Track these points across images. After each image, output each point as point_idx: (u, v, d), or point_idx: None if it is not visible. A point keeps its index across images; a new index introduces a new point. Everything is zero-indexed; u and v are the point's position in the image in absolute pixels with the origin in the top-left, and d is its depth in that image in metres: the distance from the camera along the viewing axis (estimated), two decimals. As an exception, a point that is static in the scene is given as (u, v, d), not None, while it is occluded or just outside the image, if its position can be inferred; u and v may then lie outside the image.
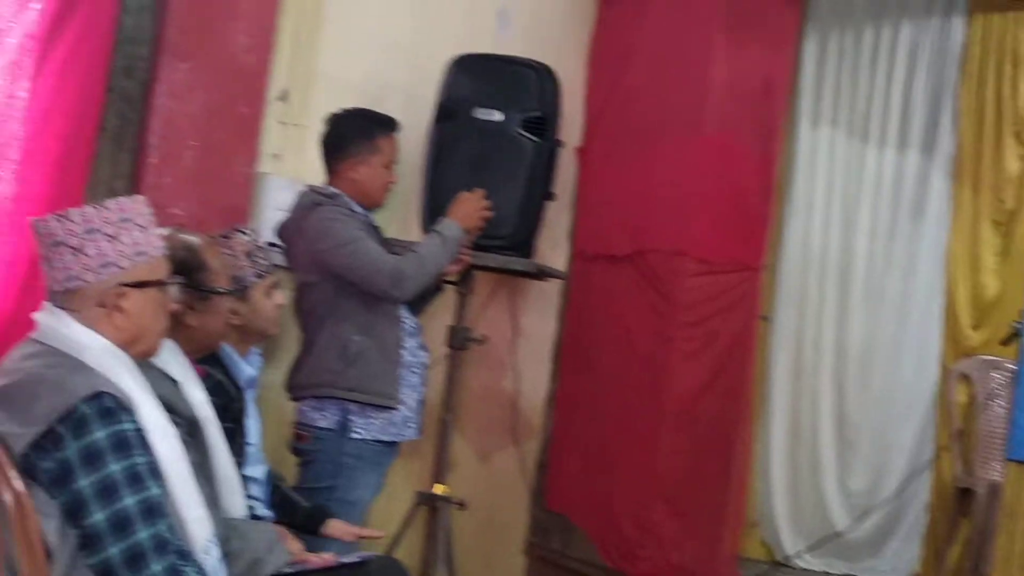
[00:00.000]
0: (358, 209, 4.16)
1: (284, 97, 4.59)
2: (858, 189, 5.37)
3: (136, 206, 2.70)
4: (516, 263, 4.51)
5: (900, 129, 5.43)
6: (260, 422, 3.74)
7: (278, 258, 4.18)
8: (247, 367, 3.65)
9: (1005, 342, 4.80)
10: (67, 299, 2.62)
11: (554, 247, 5.19)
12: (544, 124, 4.53)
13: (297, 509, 3.66)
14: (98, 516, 2.40)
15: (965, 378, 5.27)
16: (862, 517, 4.96)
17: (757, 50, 4.89)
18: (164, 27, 4.25)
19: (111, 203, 2.66)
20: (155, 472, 2.52)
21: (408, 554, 4.52)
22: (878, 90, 5.41)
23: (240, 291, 3.58)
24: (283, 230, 4.22)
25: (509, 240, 4.46)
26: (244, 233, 3.71)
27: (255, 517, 3.34)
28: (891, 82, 5.41)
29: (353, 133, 4.18)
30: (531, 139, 4.50)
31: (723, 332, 4.79)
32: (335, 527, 3.65)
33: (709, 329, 4.77)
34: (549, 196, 4.60)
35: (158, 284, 2.71)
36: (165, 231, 2.97)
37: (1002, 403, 4.94)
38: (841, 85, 5.40)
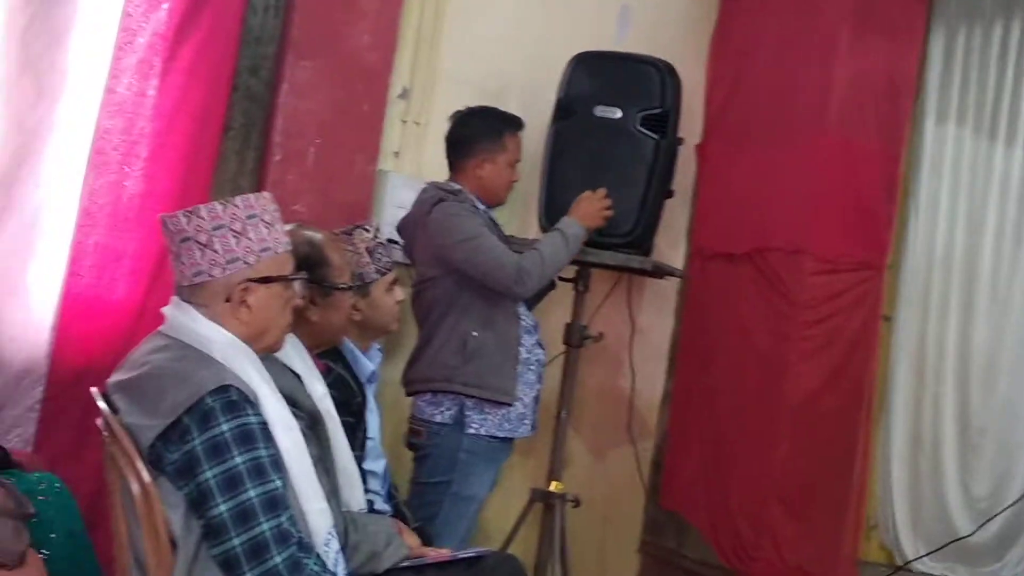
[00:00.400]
0: (480, 206, 4.20)
1: (405, 95, 4.65)
2: (985, 188, 5.23)
3: (262, 203, 2.76)
4: (634, 261, 4.50)
5: (1030, 127, 5.30)
6: (380, 417, 3.79)
7: (398, 254, 4.23)
8: (368, 362, 3.71)
9: None
10: (194, 293, 2.69)
11: (673, 245, 5.17)
12: (664, 121, 4.51)
13: None
14: (222, 507, 2.46)
15: (1095, 384, 5.12)
16: (985, 522, 4.85)
17: (882, 47, 4.82)
18: (289, 26, 4.33)
19: (238, 200, 2.72)
20: (278, 464, 2.57)
21: (523, 550, 4.51)
22: (1007, 87, 5.27)
23: (361, 287, 3.63)
24: (405, 225, 4.28)
25: (627, 238, 4.44)
26: (366, 230, 3.76)
27: (374, 511, 3.39)
28: (1020, 79, 5.28)
29: (481, 131, 4.22)
30: (651, 136, 4.47)
31: (844, 332, 4.73)
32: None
33: (829, 328, 4.71)
34: (668, 194, 4.58)
35: (283, 280, 2.76)
36: (289, 227, 3.02)
37: None
38: (969, 82, 5.27)
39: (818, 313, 4.67)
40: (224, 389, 2.53)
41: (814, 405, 4.66)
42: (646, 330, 5.15)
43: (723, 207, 5.06)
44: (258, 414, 2.57)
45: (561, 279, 4.44)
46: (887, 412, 5.08)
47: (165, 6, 4.11)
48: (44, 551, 3.04)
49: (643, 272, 4.69)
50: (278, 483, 2.53)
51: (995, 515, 4.79)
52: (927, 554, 4.86)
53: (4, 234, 3.88)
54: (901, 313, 5.12)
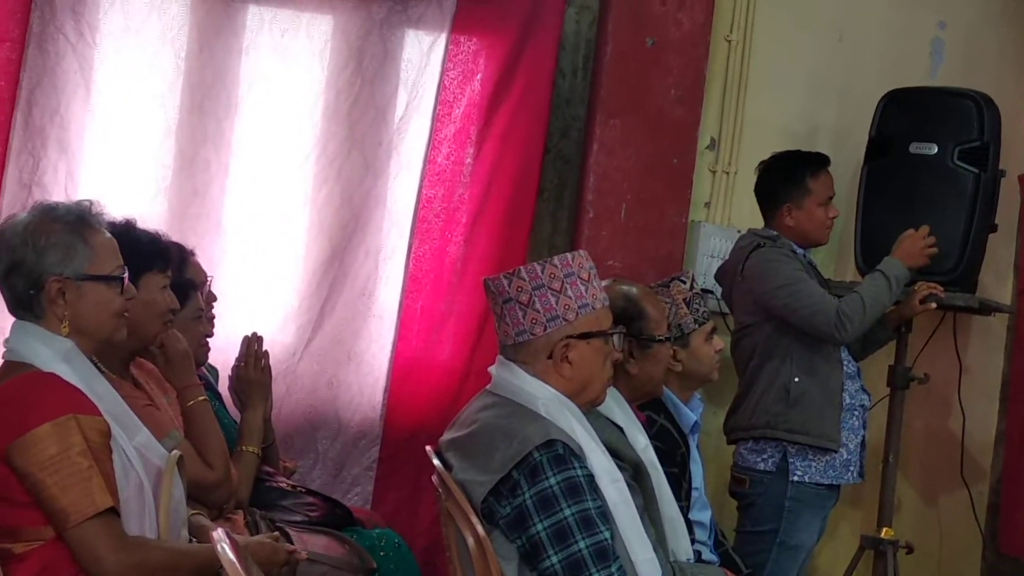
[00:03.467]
0: (799, 251, 4.17)
1: (713, 145, 4.68)
2: None
3: (579, 260, 2.83)
4: (959, 298, 4.36)
5: None
6: (703, 466, 3.80)
7: (713, 304, 4.25)
8: (690, 412, 3.73)
9: None
10: (518, 352, 2.78)
11: (1000, 280, 4.98)
12: (984, 153, 4.36)
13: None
14: (553, 559, 2.54)
15: None
16: None
17: None
18: (597, 87, 4.45)
19: (556, 259, 2.80)
20: (605, 516, 2.62)
21: (855, 599, 4.46)
22: None
23: (680, 338, 3.66)
24: (723, 273, 4.30)
25: (951, 275, 4.32)
26: (682, 281, 3.79)
27: (701, 561, 3.39)
28: None
29: (781, 179, 4.19)
30: (970, 170, 4.35)
31: None
32: None
33: None
34: (991, 228, 4.42)
35: (602, 335, 2.82)
36: (606, 283, 3.08)
37: None
38: None
39: None
40: (551, 444, 2.60)
41: None
42: (974, 369, 4.97)
43: (1051, 238, 4.85)
44: (584, 467, 2.63)
45: (940, 305, 4.27)
46: None
47: (479, 76, 4.31)
48: (386, 604, 3.21)
49: (968, 310, 4.54)
50: (606, 534, 2.58)
51: None
52: None
53: (339, 302, 4.14)
54: None
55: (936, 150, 4.37)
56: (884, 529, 4.32)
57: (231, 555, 1.86)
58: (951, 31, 5.01)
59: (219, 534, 1.96)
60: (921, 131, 4.41)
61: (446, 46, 4.26)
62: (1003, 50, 5.06)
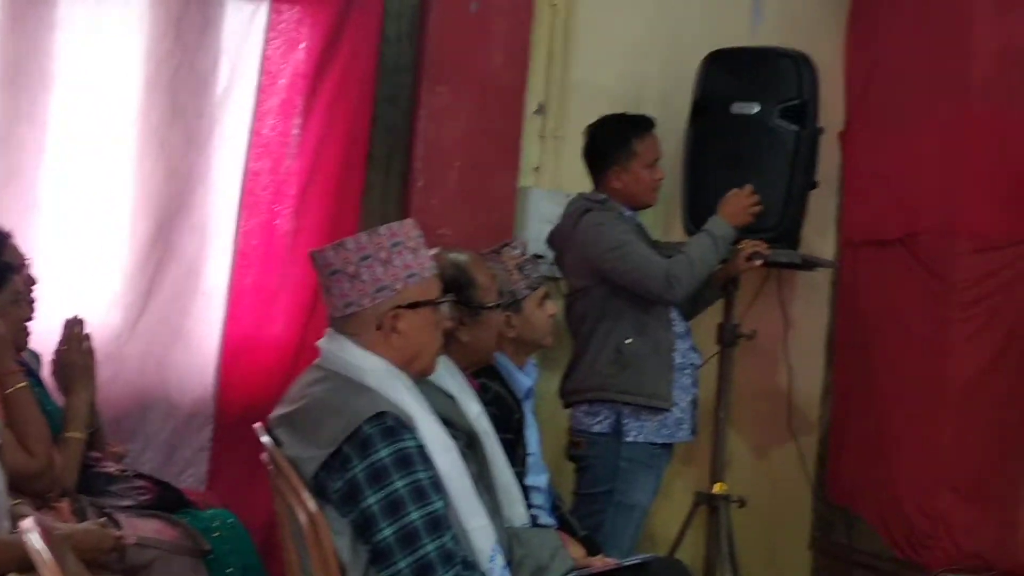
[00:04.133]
0: (627, 212, 4.21)
1: (542, 110, 4.69)
2: None
3: (406, 229, 2.81)
4: (783, 255, 4.45)
5: None
6: (539, 431, 3.82)
7: (545, 269, 4.27)
8: (524, 378, 3.74)
9: None
10: (346, 324, 2.75)
11: (821, 236, 5.11)
12: (803, 111, 4.46)
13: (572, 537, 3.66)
14: (387, 532, 2.52)
15: None
16: None
17: (1024, 13, 4.69)
18: (423, 54, 4.42)
19: (383, 229, 2.78)
20: (438, 486, 2.62)
21: (691, 556, 4.54)
22: None
23: (513, 304, 3.67)
24: (554, 237, 4.31)
25: (774, 232, 4.40)
26: (513, 247, 3.80)
27: (537, 525, 3.41)
28: None
29: (608, 142, 4.22)
30: (790, 128, 4.44)
31: (1005, 309, 4.60)
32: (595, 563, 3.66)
33: (989, 307, 4.59)
34: (812, 184, 4.52)
35: (431, 303, 2.80)
36: (434, 251, 3.07)
37: None
38: None
39: (976, 293, 4.57)
40: (380, 416, 2.59)
41: (981, 386, 4.56)
42: (800, 324, 5.10)
43: (870, 193, 4.99)
44: (415, 438, 2.62)
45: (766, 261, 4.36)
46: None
47: (303, 46, 4.25)
48: (223, 586, 3.16)
49: (792, 266, 4.65)
50: (439, 504, 2.58)
51: None
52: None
53: (166, 281, 4.06)
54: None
55: (757, 109, 4.46)
56: (716, 484, 4.41)
57: (38, 545, 1.80)
58: (770, -10, 5.12)
59: (27, 523, 1.90)
60: (743, 91, 4.49)
61: (268, 15, 4.20)
62: (819, 8, 5.18)
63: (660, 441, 4.12)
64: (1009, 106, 4.61)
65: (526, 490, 3.40)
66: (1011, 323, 4.61)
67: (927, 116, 4.74)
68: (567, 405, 4.24)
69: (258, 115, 4.18)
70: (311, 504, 2.55)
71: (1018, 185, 4.63)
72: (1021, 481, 4.60)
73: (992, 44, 4.63)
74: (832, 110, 4.94)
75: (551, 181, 4.69)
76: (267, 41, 4.18)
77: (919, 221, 4.73)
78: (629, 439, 4.06)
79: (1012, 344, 4.61)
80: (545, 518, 3.59)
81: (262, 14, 4.18)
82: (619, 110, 4.36)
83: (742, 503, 4.43)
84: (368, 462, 2.54)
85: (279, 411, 2.77)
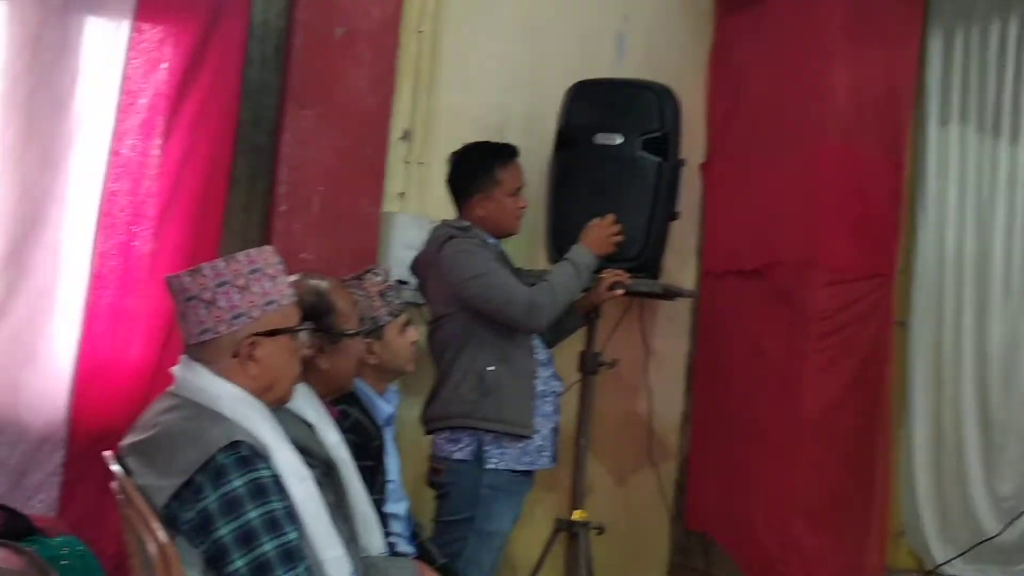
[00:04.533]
0: (491, 240, 4.23)
1: (407, 137, 4.69)
2: (992, 187, 5.23)
3: (265, 256, 2.78)
4: (644, 284, 4.52)
5: (1032, 123, 5.32)
6: (399, 458, 3.81)
7: (408, 295, 4.27)
8: (385, 405, 3.73)
9: None
10: (202, 351, 2.71)
11: (683, 266, 5.19)
12: (665, 143, 4.54)
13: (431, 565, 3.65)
14: (239, 563, 2.48)
15: (1111, 371, 5.12)
16: (1012, 521, 4.83)
17: (879, 53, 4.82)
18: (288, 77, 4.40)
19: (241, 255, 2.75)
20: (292, 516, 2.59)
21: (551, 581, 4.57)
22: (1007, 85, 5.28)
23: (374, 331, 3.66)
24: (417, 264, 4.31)
25: (636, 261, 4.47)
26: (375, 274, 3.79)
27: (396, 553, 3.40)
28: (1020, 76, 5.29)
29: (471, 170, 4.24)
30: (652, 159, 4.51)
31: (858, 341, 4.73)
32: None
33: (843, 339, 4.71)
34: (673, 215, 4.60)
35: (289, 331, 2.78)
36: (294, 278, 3.05)
37: None
38: (969, 83, 5.27)
39: (831, 324, 4.68)
40: (235, 445, 2.55)
41: (833, 416, 4.66)
42: (661, 353, 5.18)
43: (730, 224, 5.08)
44: (270, 468, 2.59)
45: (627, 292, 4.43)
46: (908, 417, 5.08)
47: (164, 65, 4.19)
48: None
49: (653, 295, 4.72)
50: (293, 535, 2.55)
51: (1022, 513, 4.78)
52: (956, 557, 4.85)
53: (18, 301, 3.95)
54: (916, 318, 5.13)
55: (621, 140, 4.52)
56: (576, 511, 4.44)
57: None
58: (634, 24, 5.19)
59: None
60: (606, 122, 4.56)
61: (130, 33, 4.13)
62: (682, 43, 5.28)
63: (521, 468, 4.13)
64: (861, 145, 4.74)
65: (385, 518, 3.39)
66: (863, 355, 4.73)
67: (786, 151, 4.85)
68: (428, 432, 4.23)
69: (117, 135, 4.10)
70: (161, 534, 2.50)
71: (870, 220, 4.77)
72: (869, 509, 4.71)
73: (847, 83, 4.75)
74: (694, 142, 5.04)
75: (416, 207, 4.69)
76: (128, 60, 4.11)
77: (777, 253, 4.82)
78: (490, 466, 4.06)
79: (863, 375, 4.73)
80: (404, 546, 3.58)
81: (123, 33, 4.11)
82: (484, 138, 4.38)
83: (601, 530, 4.46)
84: (221, 492, 2.51)
85: (130, 439, 2.72)
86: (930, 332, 5.11)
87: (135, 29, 4.13)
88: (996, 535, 4.77)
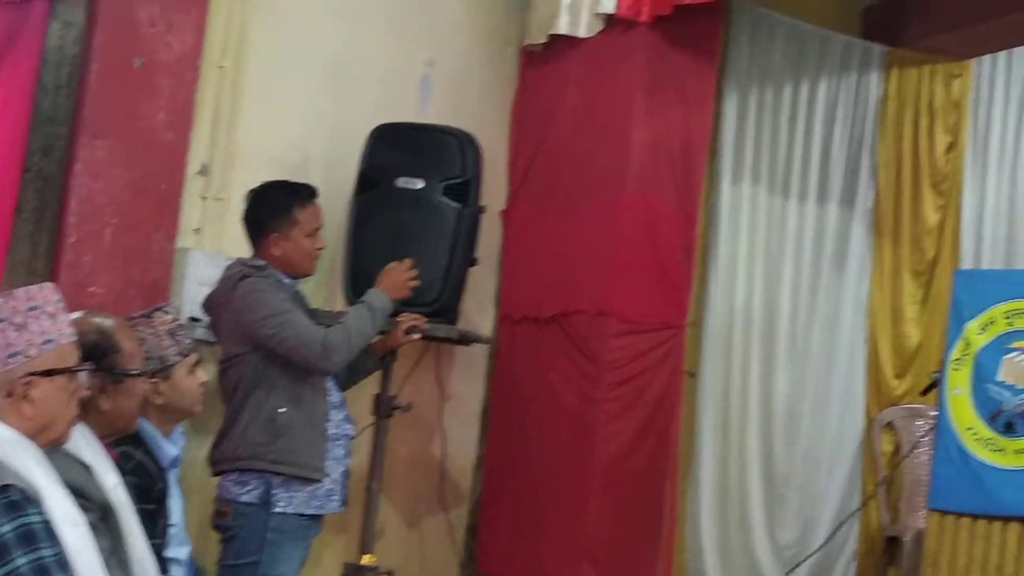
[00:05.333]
0: (286, 280, 4.18)
1: (204, 171, 4.61)
2: (780, 244, 5.45)
3: (45, 294, 2.70)
4: (440, 329, 4.54)
5: (820, 183, 5.56)
6: (183, 501, 3.72)
7: (200, 333, 4.19)
8: (170, 447, 3.63)
9: (925, 392, 4.88)
10: (-26, 390, 2.61)
11: (481, 311, 5.22)
12: (466, 189, 4.58)
13: None
14: (4, 611, 2.40)
15: (890, 427, 5.36)
16: (793, 569, 5.00)
17: (677, 110, 4.96)
18: (82, 106, 4.28)
19: (20, 292, 2.66)
20: (62, 564, 2.50)
21: (337, 626, 4.52)
22: (798, 145, 5.51)
23: (162, 370, 3.57)
24: (210, 302, 4.23)
25: (433, 306, 4.49)
26: (166, 312, 3.70)
27: (176, 599, 3.33)
28: (810, 137, 5.52)
29: (269, 209, 4.18)
30: (453, 205, 4.54)
31: (649, 390, 4.82)
32: None
33: (635, 388, 4.80)
34: (472, 261, 4.64)
35: (67, 372, 2.70)
36: (76, 315, 2.96)
37: (927, 451, 5.00)
38: (761, 142, 5.48)
39: (623, 374, 4.77)
40: (4, 489, 2.46)
41: (622, 464, 4.74)
42: (457, 397, 5.19)
43: (529, 272, 5.14)
44: (40, 513, 2.50)
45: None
46: (695, 466, 5.21)
47: (-53, 91, 4.04)
48: None
49: (450, 340, 4.73)
50: (62, 583, 2.47)
51: (801, 561, 4.95)
52: (739, 603, 4.99)
53: None
54: (706, 369, 5.27)
55: (422, 185, 4.55)
56: (365, 556, 4.42)
57: None
58: (439, 69, 5.21)
59: None
60: (408, 166, 4.59)
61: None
62: (486, 91, 5.32)
63: (310, 512, 4.08)
64: (658, 199, 4.86)
65: (165, 563, 3.31)
66: (652, 404, 4.84)
67: (583, 202, 4.94)
68: (216, 473, 4.15)
69: None
70: (-78, 581, 2.40)
71: (663, 272, 4.89)
72: (655, 555, 4.80)
73: (646, 137, 4.87)
74: (496, 188, 5.09)
75: (212, 243, 4.61)
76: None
77: (572, 301, 4.90)
78: (278, 510, 4.00)
79: (653, 424, 4.83)
80: (184, 591, 3.50)
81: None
82: (285, 176, 4.35)
83: (391, 574, 4.44)
84: (-12, 537, 2.41)
85: None
86: (719, 383, 5.26)
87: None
88: (776, 583, 4.92)
